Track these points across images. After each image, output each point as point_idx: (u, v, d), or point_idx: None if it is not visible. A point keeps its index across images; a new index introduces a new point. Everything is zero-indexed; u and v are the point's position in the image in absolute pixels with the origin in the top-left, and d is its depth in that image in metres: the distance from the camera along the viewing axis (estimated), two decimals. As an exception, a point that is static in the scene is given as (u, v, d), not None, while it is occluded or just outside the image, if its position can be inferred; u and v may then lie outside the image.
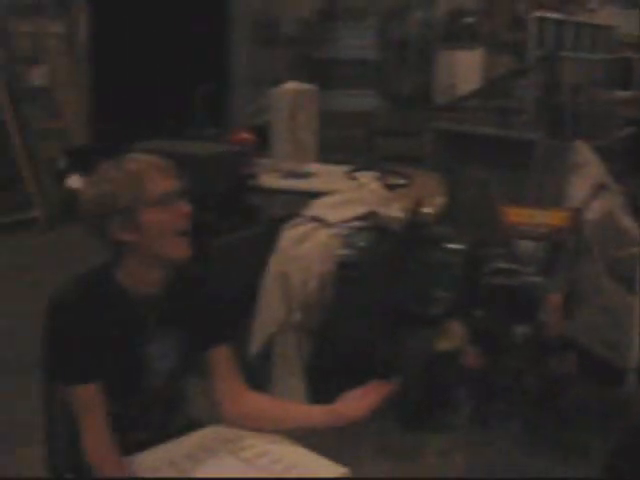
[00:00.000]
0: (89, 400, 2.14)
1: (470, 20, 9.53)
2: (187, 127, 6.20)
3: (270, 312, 4.11)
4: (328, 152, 6.33)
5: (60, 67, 8.66)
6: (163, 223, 2.15)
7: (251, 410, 2.36)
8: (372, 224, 4.26)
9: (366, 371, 3.53)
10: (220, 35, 10.11)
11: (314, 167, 5.71)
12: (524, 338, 4.08)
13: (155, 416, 2.32)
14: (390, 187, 4.62)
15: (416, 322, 4.31)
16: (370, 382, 2.31)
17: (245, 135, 5.64)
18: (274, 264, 4.15)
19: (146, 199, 2.13)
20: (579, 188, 4.85)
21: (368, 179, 4.75)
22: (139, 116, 7.83)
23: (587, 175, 4.93)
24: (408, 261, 4.37)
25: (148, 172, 2.15)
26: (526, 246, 4.34)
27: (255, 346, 4.15)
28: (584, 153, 5.10)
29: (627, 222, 4.81)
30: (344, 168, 5.29)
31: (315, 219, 4.24)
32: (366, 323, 4.19)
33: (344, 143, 7.92)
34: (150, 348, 2.25)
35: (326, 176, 5.44)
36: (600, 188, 4.77)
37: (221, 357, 2.36)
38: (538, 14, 8.58)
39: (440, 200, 4.82)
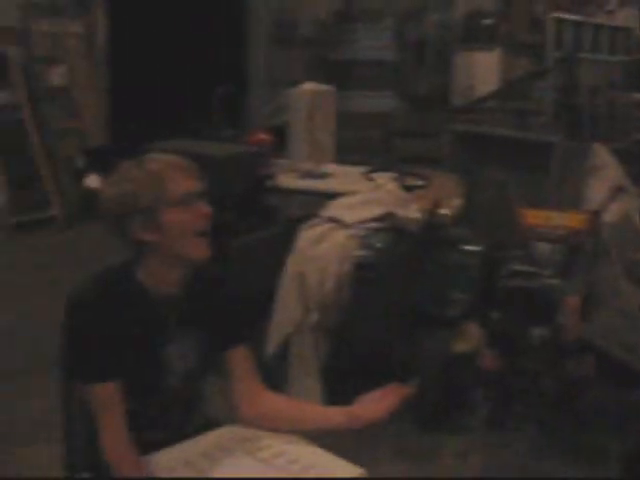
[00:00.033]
0: (107, 399, 2.15)
1: (488, 21, 9.51)
2: (205, 128, 6.20)
3: (287, 312, 4.12)
4: (345, 153, 6.33)
5: (79, 67, 8.69)
6: (184, 223, 2.15)
7: (268, 410, 2.36)
8: (389, 225, 4.26)
9: (383, 372, 3.53)
10: (238, 36, 10.13)
11: (331, 168, 5.71)
12: (541, 340, 4.07)
13: (173, 416, 2.33)
14: (408, 188, 4.62)
15: (433, 324, 4.30)
16: (388, 384, 2.31)
17: (263, 136, 5.65)
18: (291, 264, 4.15)
19: (167, 199, 2.13)
20: (597, 190, 4.84)
21: (385, 180, 4.74)
22: (156, 116, 7.85)
23: (605, 177, 4.92)
24: (425, 262, 4.36)
25: (169, 172, 2.16)
26: (544, 248, 4.33)
27: (272, 346, 4.15)
28: (602, 155, 5.08)
29: (645, 224, 4.79)
30: (361, 169, 5.29)
31: (332, 220, 4.24)
32: (383, 324, 4.19)
33: (361, 144, 7.92)
34: (170, 348, 2.25)
35: (343, 177, 5.44)
36: (618, 190, 4.75)
37: (239, 357, 2.37)
38: (556, 15, 8.57)
39: (458, 202, 4.81)
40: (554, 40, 8.47)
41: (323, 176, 5.52)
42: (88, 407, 2.20)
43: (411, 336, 4.26)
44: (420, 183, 4.74)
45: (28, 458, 3.80)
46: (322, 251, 4.08)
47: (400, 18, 9.95)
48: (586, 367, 4.17)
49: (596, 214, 4.39)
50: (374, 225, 4.23)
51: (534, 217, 4.31)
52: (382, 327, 4.18)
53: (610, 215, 4.51)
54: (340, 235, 4.14)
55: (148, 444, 2.22)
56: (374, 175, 5.00)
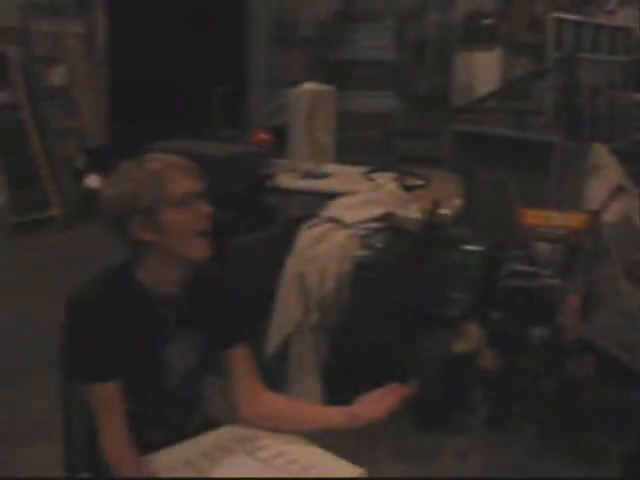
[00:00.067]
0: (107, 399, 2.15)
1: (488, 21, 9.51)
2: (205, 128, 6.21)
3: (287, 312, 4.12)
4: (345, 153, 6.33)
5: (79, 67, 8.70)
6: (184, 223, 2.15)
7: (268, 410, 2.36)
8: (389, 225, 4.26)
9: (383, 372, 3.54)
10: (238, 36, 10.13)
11: (331, 168, 5.71)
12: (541, 340, 4.07)
13: (173, 416, 2.33)
14: (407, 188, 4.61)
15: (433, 323, 4.30)
16: (387, 384, 2.31)
17: (263, 136, 5.65)
18: (291, 264, 4.15)
19: (167, 199, 2.13)
20: (597, 190, 4.84)
21: (385, 180, 4.74)
22: (156, 116, 7.85)
23: (605, 177, 4.92)
24: (425, 262, 4.36)
25: (170, 172, 2.16)
26: (544, 248, 4.33)
27: (272, 346, 4.15)
28: (602, 155, 5.08)
29: (645, 225, 4.79)
30: (361, 169, 5.29)
31: (332, 220, 4.24)
32: (383, 324, 4.19)
33: (361, 144, 7.92)
34: (169, 348, 2.25)
35: (343, 177, 5.44)
36: (618, 190, 4.75)
37: (239, 357, 2.37)
38: (556, 15, 8.57)
39: (458, 202, 4.81)
40: (554, 40, 8.47)
41: (323, 176, 5.52)
42: (88, 407, 2.20)
43: (411, 336, 4.26)
44: (420, 183, 4.74)
45: (28, 458, 3.80)
46: (322, 251, 4.09)
47: (400, 18, 9.95)
48: (586, 367, 4.17)
49: (596, 214, 4.39)
50: (374, 225, 4.23)
51: (534, 217, 4.31)
52: (382, 327, 4.18)
53: (610, 215, 4.51)
54: (340, 235, 4.14)
55: (148, 444, 2.22)
56: (374, 175, 4.99)
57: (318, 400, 3.96)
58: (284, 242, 4.24)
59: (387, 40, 9.68)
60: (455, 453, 3.97)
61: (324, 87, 5.99)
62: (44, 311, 5.33)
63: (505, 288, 4.13)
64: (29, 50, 8.25)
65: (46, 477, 3.61)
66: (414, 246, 4.32)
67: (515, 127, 6.59)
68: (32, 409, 4.22)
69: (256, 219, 4.64)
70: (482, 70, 9.20)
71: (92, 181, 8.18)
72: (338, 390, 3.58)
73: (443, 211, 4.51)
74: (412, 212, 4.36)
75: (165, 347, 2.24)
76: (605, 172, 4.95)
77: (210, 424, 2.41)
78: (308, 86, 5.85)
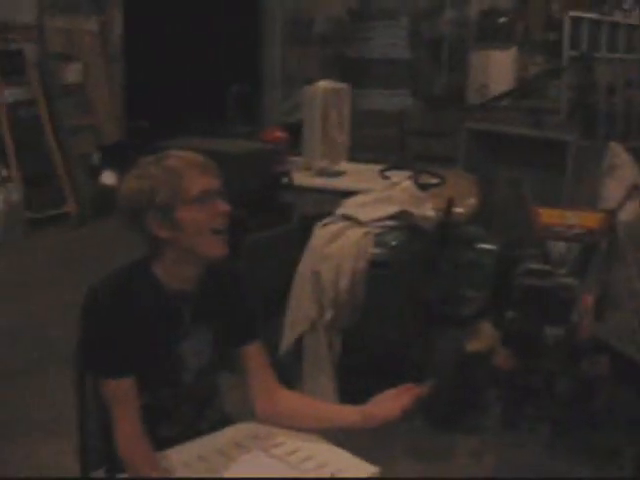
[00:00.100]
0: (122, 394, 2.15)
1: (504, 20, 9.48)
2: (220, 125, 6.22)
3: (301, 310, 4.12)
4: (360, 151, 6.34)
5: (94, 64, 8.71)
6: (200, 221, 2.15)
7: (284, 408, 2.36)
8: (404, 223, 4.25)
9: (396, 370, 3.54)
10: (253, 33, 10.13)
11: (346, 166, 5.72)
12: (556, 340, 4.05)
13: (187, 412, 2.33)
14: (422, 187, 4.61)
15: (447, 322, 4.30)
16: (402, 383, 2.31)
17: (278, 133, 5.66)
18: (306, 262, 4.15)
19: (184, 196, 2.14)
20: (613, 189, 4.82)
21: (400, 178, 4.73)
22: (171, 114, 7.86)
23: (621, 176, 4.89)
24: (440, 261, 4.35)
25: (187, 169, 2.16)
26: (559, 247, 4.31)
27: (286, 344, 4.15)
28: (618, 154, 5.06)
29: (662, 224, 4.77)
30: (376, 167, 5.29)
31: (347, 218, 4.23)
32: (397, 322, 4.19)
33: (376, 142, 7.91)
34: (184, 344, 2.25)
35: (358, 175, 5.45)
36: (634, 190, 4.72)
37: (254, 354, 2.37)
38: (572, 14, 8.53)
39: (472, 200, 4.80)
40: (570, 38, 8.44)
41: (338, 174, 5.53)
42: (103, 402, 2.20)
43: (425, 335, 4.26)
44: (435, 181, 4.73)
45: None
46: (337, 249, 4.08)
47: (415, 16, 9.94)
48: (600, 367, 4.15)
49: (612, 213, 4.37)
50: (389, 223, 4.23)
51: (549, 216, 4.29)
52: (396, 325, 4.17)
53: (626, 214, 4.49)
54: (355, 233, 4.14)
55: (162, 440, 2.23)
56: (389, 173, 4.99)
57: (331, 398, 3.96)
58: (299, 240, 4.25)
59: (402, 38, 9.66)
60: (469, 453, 3.97)
61: (339, 85, 6.00)
62: (58, 307, 5.36)
63: (520, 287, 4.11)
64: (44, 47, 8.26)
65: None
66: (429, 244, 4.32)
67: (531, 126, 6.55)
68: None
69: (271, 217, 4.65)
70: (497, 69, 9.18)
71: (107, 178, 8.20)
72: (351, 388, 3.59)
73: (458, 210, 4.50)
74: (427, 210, 4.35)
75: (180, 343, 2.24)
76: (621, 171, 4.93)
77: (225, 420, 2.42)
78: (323, 84, 5.86)
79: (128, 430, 2.16)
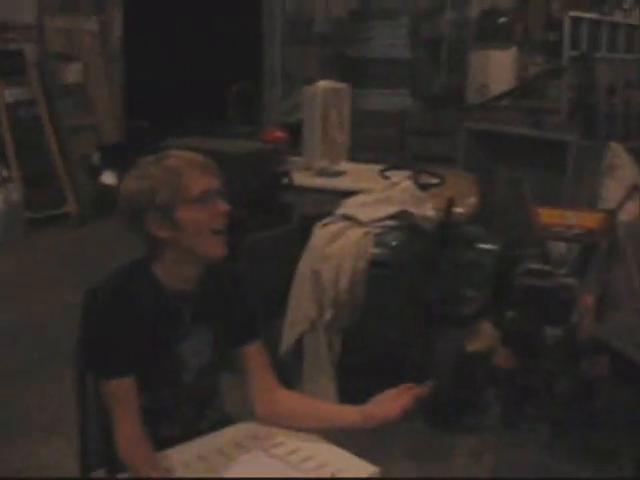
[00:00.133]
0: (122, 394, 2.16)
1: (504, 20, 9.48)
2: (220, 125, 6.22)
3: (301, 310, 4.12)
4: (360, 151, 6.34)
5: (93, 64, 8.72)
6: (200, 221, 2.15)
7: (283, 408, 2.36)
8: (404, 223, 4.25)
9: (396, 370, 3.54)
10: (253, 33, 10.13)
11: (346, 166, 5.72)
12: (556, 340, 4.06)
13: (187, 412, 2.33)
14: (422, 186, 4.61)
15: (447, 322, 4.30)
16: (401, 383, 2.31)
17: (278, 133, 5.66)
18: (306, 262, 4.15)
19: (184, 196, 2.14)
20: (613, 189, 4.83)
21: (400, 178, 4.73)
22: (171, 114, 7.86)
23: (621, 176, 4.91)
24: (440, 261, 4.35)
25: (188, 169, 2.16)
26: (559, 247, 4.32)
27: (286, 344, 4.15)
28: (619, 154, 5.07)
29: (661, 224, 4.77)
30: (376, 167, 5.29)
31: (347, 218, 4.23)
32: (397, 322, 4.19)
33: (376, 142, 7.91)
34: (185, 344, 2.26)
35: (358, 175, 5.45)
36: (634, 190, 4.73)
37: (254, 354, 2.37)
38: (572, 14, 8.53)
39: (472, 200, 4.80)
40: (570, 39, 8.44)
41: (338, 174, 5.53)
42: (103, 402, 2.21)
43: (425, 334, 4.26)
44: (435, 181, 4.73)
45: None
46: (337, 249, 4.08)
47: (415, 16, 9.94)
48: (600, 367, 4.15)
49: (612, 213, 4.37)
50: (389, 223, 4.22)
51: (549, 216, 4.29)
52: (396, 325, 4.17)
53: (626, 214, 4.49)
54: (355, 233, 4.14)
55: (162, 440, 2.23)
56: (389, 173, 4.99)
57: (332, 398, 3.96)
58: (299, 240, 4.25)
59: (402, 38, 9.66)
60: (469, 452, 3.97)
61: (339, 85, 6.00)
62: (58, 307, 5.36)
63: (520, 287, 4.11)
64: (44, 47, 8.26)
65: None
66: (429, 244, 4.32)
67: (531, 126, 6.55)
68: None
69: (271, 217, 4.65)
70: (497, 68, 9.17)
71: (107, 178, 8.21)
72: (351, 388, 3.59)
73: (458, 210, 4.50)
74: (427, 210, 4.35)
75: (180, 343, 2.24)
76: (621, 171, 4.95)
77: (225, 420, 2.42)
78: (323, 84, 5.86)
79: (128, 430, 2.16)
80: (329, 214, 4.30)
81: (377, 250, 4.10)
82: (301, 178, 5.24)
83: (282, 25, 10.20)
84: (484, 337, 4.28)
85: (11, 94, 7.85)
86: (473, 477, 3.80)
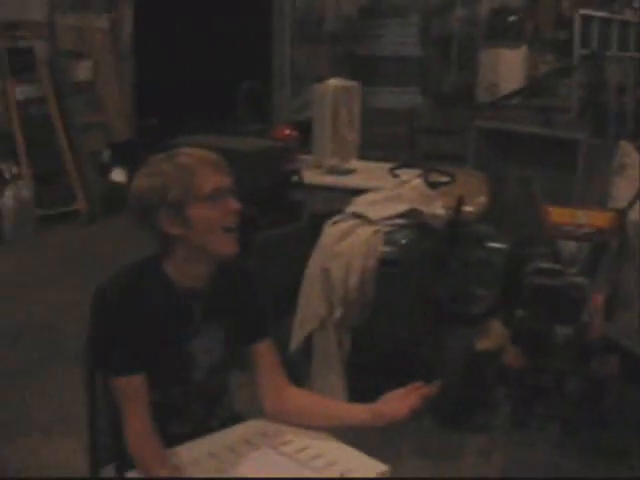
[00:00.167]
0: (132, 391, 2.16)
1: (514, 18, 9.45)
2: (230, 123, 6.22)
3: (311, 308, 4.12)
4: (370, 149, 6.33)
5: (104, 62, 8.73)
6: (212, 219, 2.15)
7: (293, 406, 2.36)
8: (414, 221, 4.25)
9: (406, 368, 3.54)
10: (263, 31, 10.13)
11: (356, 164, 5.72)
12: (565, 339, 4.05)
13: (198, 409, 2.33)
14: (432, 185, 4.60)
15: (457, 321, 4.29)
16: (412, 382, 2.30)
17: (288, 131, 5.66)
18: (316, 260, 4.15)
19: (196, 194, 2.14)
20: (623, 189, 4.81)
21: (410, 176, 4.73)
22: (181, 111, 7.87)
23: (632, 176, 4.89)
24: (450, 259, 4.35)
25: (199, 167, 2.16)
26: (569, 246, 4.31)
27: (295, 342, 4.15)
28: (629, 153, 5.06)
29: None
30: (386, 165, 5.28)
31: (357, 216, 4.23)
32: (407, 321, 4.18)
33: (386, 140, 7.90)
34: (196, 342, 2.26)
35: (368, 173, 5.45)
36: (645, 189, 4.72)
37: (264, 352, 2.37)
38: (583, 12, 8.51)
39: (482, 199, 4.79)
40: (581, 37, 8.42)
41: (348, 172, 5.53)
42: (113, 399, 2.21)
43: (434, 333, 4.26)
44: (445, 180, 4.73)
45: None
46: (346, 247, 4.08)
47: (426, 14, 9.92)
48: (610, 366, 4.15)
49: (622, 213, 4.36)
50: (399, 221, 4.22)
51: (559, 215, 4.28)
52: (406, 323, 4.17)
53: (636, 213, 4.48)
54: (365, 231, 4.14)
55: (172, 437, 2.23)
56: (399, 171, 4.99)
57: (341, 396, 3.96)
58: (309, 238, 4.25)
59: (412, 36, 9.66)
60: (478, 451, 3.96)
61: (349, 83, 6.00)
62: (68, 305, 5.37)
63: (530, 286, 4.11)
64: (55, 45, 8.28)
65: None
66: (438, 243, 4.32)
67: (541, 124, 6.54)
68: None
69: (281, 214, 4.65)
70: (508, 67, 9.15)
71: (117, 175, 8.22)
72: (361, 386, 3.59)
73: (468, 208, 4.50)
74: (437, 209, 4.35)
75: (191, 341, 2.25)
76: (631, 170, 4.93)
77: (235, 418, 2.42)
78: (333, 82, 5.86)
79: (138, 427, 2.16)
80: (339, 212, 4.30)
81: (387, 248, 4.10)
82: (311, 176, 5.24)
83: (292, 23, 10.20)
84: (494, 336, 4.27)
85: (22, 92, 7.86)
86: (482, 476, 3.80)
